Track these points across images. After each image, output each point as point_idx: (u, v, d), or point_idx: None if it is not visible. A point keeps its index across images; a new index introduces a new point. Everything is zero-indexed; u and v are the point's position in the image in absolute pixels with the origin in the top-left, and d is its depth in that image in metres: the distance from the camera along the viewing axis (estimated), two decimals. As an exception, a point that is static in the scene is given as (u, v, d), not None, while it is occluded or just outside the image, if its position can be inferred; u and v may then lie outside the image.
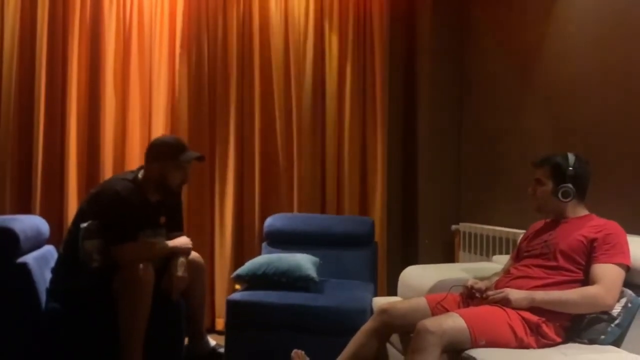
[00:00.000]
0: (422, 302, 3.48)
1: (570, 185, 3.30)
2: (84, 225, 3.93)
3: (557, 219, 3.42)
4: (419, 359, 2.93)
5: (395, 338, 3.69)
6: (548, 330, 3.10)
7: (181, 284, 4.08)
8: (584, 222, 3.31)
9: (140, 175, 4.17)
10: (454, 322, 3.01)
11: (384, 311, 3.48)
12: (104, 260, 3.89)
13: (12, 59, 5.31)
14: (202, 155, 4.32)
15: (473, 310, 3.20)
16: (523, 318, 3.09)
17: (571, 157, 3.35)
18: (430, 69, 5.89)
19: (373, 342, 3.47)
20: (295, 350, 3.78)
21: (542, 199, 3.42)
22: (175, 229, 4.37)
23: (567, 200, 3.32)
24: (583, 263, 3.21)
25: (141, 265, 3.80)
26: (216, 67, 5.72)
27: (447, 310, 3.26)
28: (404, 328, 3.41)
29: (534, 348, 3.05)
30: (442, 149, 5.91)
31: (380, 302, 4.06)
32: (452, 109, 5.92)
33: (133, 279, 3.76)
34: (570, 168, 3.31)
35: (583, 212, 3.38)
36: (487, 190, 5.49)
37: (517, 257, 3.56)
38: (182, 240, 4.25)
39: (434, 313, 3.32)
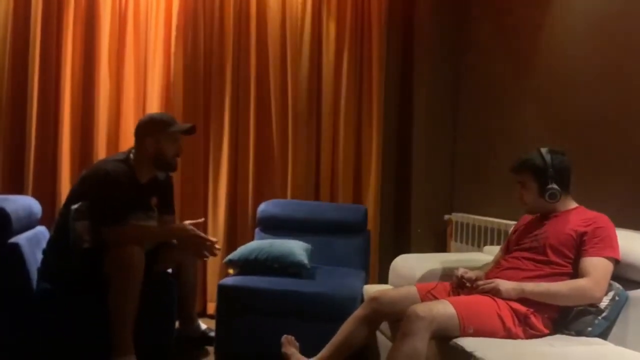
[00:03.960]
0: (412, 290, 3.52)
1: (554, 185, 3.32)
2: (75, 206, 3.93)
3: (547, 214, 3.44)
4: (408, 343, 2.96)
5: (385, 326, 3.73)
6: (536, 321, 3.13)
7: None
8: (573, 215, 3.34)
9: (131, 156, 4.18)
10: (444, 308, 3.04)
11: (374, 299, 3.51)
12: (94, 242, 3.90)
13: (5, 39, 5.29)
14: (193, 125, 4.34)
15: (463, 298, 3.24)
16: (512, 308, 3.12)
17: (547, 155, 3.36)
18: (427, 58, 5.92)
19: (363, 329, 3.51)
20: (285, 336, 3.82)
21: (531, 203, 3.44)
22: (166, 212, 4.40)
23: (555, 201, 3.34)
24: (572, 257, 3.24)
25: (132, 247, 3.81)
26: (212, 51, 5.71)
27: (437, 299, 3.29)
28: (394, 316, 3.44)
29: (522, 338, 3.09)
30: (437, 139, 5.94)
31: (371, 290, 4.09)
32: (448, 99, 5.95)
33: (123, 260, 3.77)
34: (550, 169, 3.33)
35: (572, 204, 3.41)
36: (480, 181, 5.52)
37: (507, 250, 3.59)
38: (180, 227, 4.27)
39: (423, 301, 3.34)
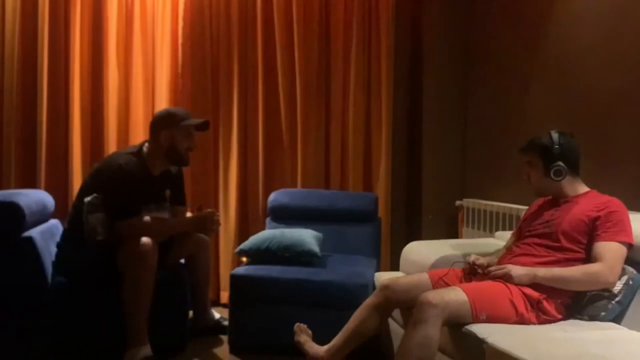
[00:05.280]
0: (424, 277, 3.51)
1: (560, 163, 3.32)
2: (88, 199, 3.95)
3: (558, 198, 3.44)
4: (420, 330, 2.96)
5: (396, 313, 3.72)
6: (549, 306, 3.13)
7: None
8: (585, 199, 3.33)
9: (144, 148, 4.20)
10: (456, 295, 3.04)
11: (386, 286, 3.51)
12: (108, 234, 3.92)
13: (14, 34, 5.32)
14: (207, 121, 4.38)
15: (475, 284, 3.23)
16: (524, 294, 3.11)
17: (555, 135, 3.37)
18: (437, 43, 5.90)
19: (375, 317, 3.51)
20: (297, 324, 3.83)
21: (536, 182, 3.45)
22: (178, 203, 4.43)
23: (560, 178, 3.34)
24: (585, 242, 3.23)
25: (145, 239, 3.84)
26: (219, 42, 5.70)
27: (449, 286, 3.29)
28: (406, 303, 3.43)
29: (535, 324, 3.08)
30: (447, 125, 5.92)
31: (382, 277, 4.10)
32: (458, 84, 5.94)
33: (137, 253, 3.80)
34: (557, 146, 3.33)
35: (583, 188, 3.40)
36: (491, 166, 5.51)
37: (519, 235, 3.58)
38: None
39: (435, 288, 3.34)
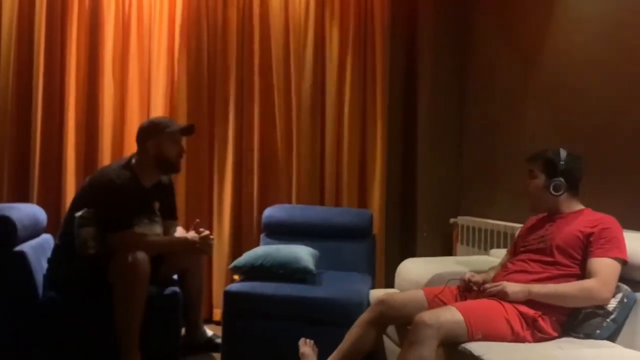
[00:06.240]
0: (419, 294, 3.52)
1: (561, 179, 3.35)
2: (79, 213, 3.95)
3: (553, 214, 3.45)
4: (415, 351, 2.95)
5: (391, 330, 3.72)
6: (544, 324, 3.13)
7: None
8: (579, 216, 3.35)
9: (133, 161, 4.21)
10: (452, 315, 3.03)
11: (381, 302, 3.51)
12: (99, 248, 3.92)
13: (9, 44, 5.30)
14: (191, 124, 4.42)
15: (470, 303, 3.23)
16: (520, 312, 3.12)
17: (563, 152, 3.39)
18: (432, 59, 5.91)
19: (370, 333, 3.50)
20: (303, 339, 3.82)
21: (534, 193, 3.46)
22: (169, 217, 4.43)
23: (559, 194, 3.36)
24: (579, 258, 3.24)
25: (137, 252, 3.82)
26: (215, 56, 5.72)
27: (445, 303, 3.30)
28: (401, 319, 3.44)
29: (530, 342, 3.08)
30: (442, 142, 5.93)
31: (377, 294, 4.09)
32: (452, 102, 5.95)
33: (128, 267, 3.78)
34: (562, 162, 3.36)
35: (578, 206, 3.42)
36: (486, 183, 5.51)
37: (514, 252, 3.59)
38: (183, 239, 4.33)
39: (431, 306, 3.35)
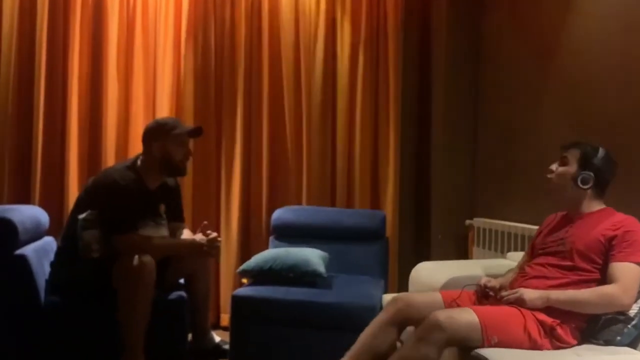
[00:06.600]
0: (437, 297, 3.49)
1: (591, 173, 3.31)
2: (82, 215, 3.96)
3: (571, 214, 3.43)
4: (422, 349, 2.96)
5: (404, 337, 3.69)
6: (563, 332, 3.10)
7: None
8: (600, 217, 3.32)
9: (139, 162, 4.21)
10: (468, 317, 3.03)
11: (396, 300, 3.48)
12: (103, 251, 3.92)
13: (11, 42, 5.32)
14: (199, 127, 4.39)
15: (488, 308, 3.22)
16: (538, 320, 3.10)
17: (602, 151, 3.36)
18: (445, 60, 5.88)
19: (386, 333, 3.42)
20: None
21: (559, 180, 3.41)
22: (175, 219, 4.43)
23: (585, 187, 3.32)
24: (600, 262, 3.21)
25: (142, 256, 3.82)
26: (223, 54, 5.72)
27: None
28: (417, 321, 3.38)
29: (549, 349, 3.07)
30: (457, 142, 5.90)
31: (390, 298, 4.08)
32: (467, 101, 5.92)
33: (133, 271, 3.78)
34: (598, 158, 3.33)
35: (599, 206, 3.39)
36: (502, 184, 5.49)
37: (532, 253, 3.57)
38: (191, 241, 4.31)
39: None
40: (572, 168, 3.38)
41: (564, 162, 3.43)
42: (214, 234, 4.29)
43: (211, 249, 4.24)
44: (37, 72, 5.32)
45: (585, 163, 3.35)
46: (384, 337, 3.42)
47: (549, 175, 3.48)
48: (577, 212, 3.40)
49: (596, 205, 3.39)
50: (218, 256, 4.47)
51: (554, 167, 3.47)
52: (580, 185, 3.33)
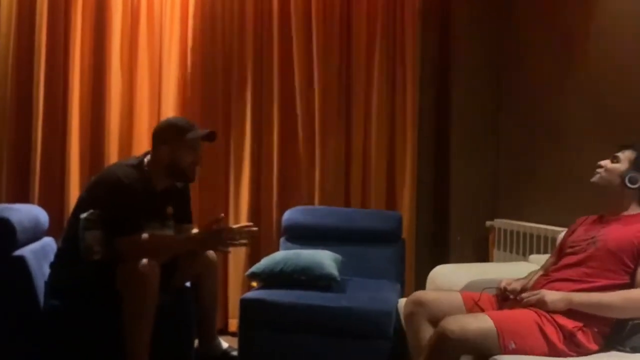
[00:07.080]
0: (458, 298, 3.50)
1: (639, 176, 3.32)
2: (84, 215, 3.93)
3: (608, 215, 3.43)
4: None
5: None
6: (584, 338, 3.08)
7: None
8: (637, 220, 3.30)
9: (146, 161, 4.18)
10: (480, 324, 3.01)
11: (415, 300, 3.51)
12: (106, 253, 3.90)
13: (9, 36, 5.35)
14: (212, 131, 4.27)
15: (504, 312, 3.22)
16: (558, 324, 3.07)
17: None
18: (466, 52, 5.89)
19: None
20: None
21: (607, 175, 3.42)
22: (184, 221, 4.39)
23: (631, 186, 3.32)
24: (631, 266, 3.18)
25: (146, 260, 3.79)
26: (231, 48, 5.73)
27: (483, 311, 3.27)
28: (434, 317, 3.37)
29: (569, 356, 3.04)
30: (477, 141, 5.90)
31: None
32: (488, 96, 5.91)
33: (137, 275, 3.75)
34: None
35: (638, 210, 3.39)
36: (525, 184, 5.48)
37: (559, 254, 3.54)
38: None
39: (469, 312, 3.34)
40: (622, 166, 3.39)
41: (614, 160, 3.44)
42: (249, 224, 4.22)
43: (230, 239, 4.03)
44: (36, 64, 5.34)
45: (637, 164, 3.36)
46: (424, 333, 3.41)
47: (598, 170, 3.48)
48: (615, 213, 3.40)
49: (635, 209, 3.39)
50: (243, 244, 4.20)
51: (604, 162, 3.47)
52: (627, 184, 3.33)
